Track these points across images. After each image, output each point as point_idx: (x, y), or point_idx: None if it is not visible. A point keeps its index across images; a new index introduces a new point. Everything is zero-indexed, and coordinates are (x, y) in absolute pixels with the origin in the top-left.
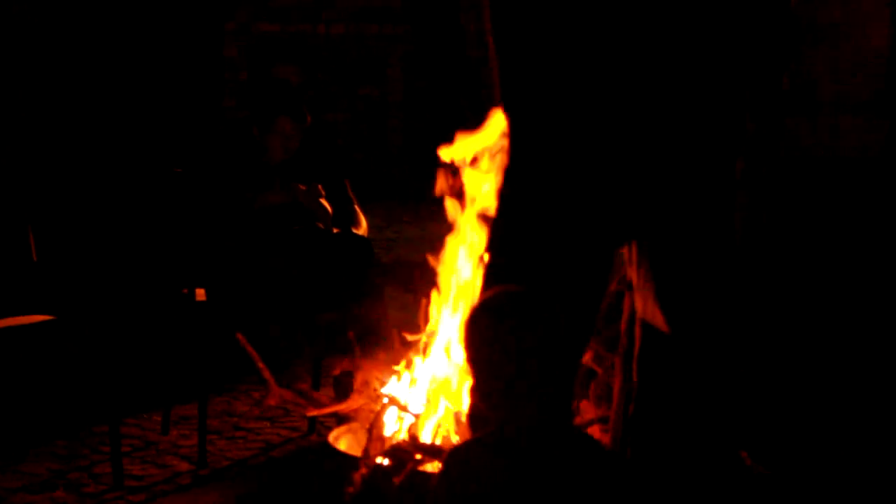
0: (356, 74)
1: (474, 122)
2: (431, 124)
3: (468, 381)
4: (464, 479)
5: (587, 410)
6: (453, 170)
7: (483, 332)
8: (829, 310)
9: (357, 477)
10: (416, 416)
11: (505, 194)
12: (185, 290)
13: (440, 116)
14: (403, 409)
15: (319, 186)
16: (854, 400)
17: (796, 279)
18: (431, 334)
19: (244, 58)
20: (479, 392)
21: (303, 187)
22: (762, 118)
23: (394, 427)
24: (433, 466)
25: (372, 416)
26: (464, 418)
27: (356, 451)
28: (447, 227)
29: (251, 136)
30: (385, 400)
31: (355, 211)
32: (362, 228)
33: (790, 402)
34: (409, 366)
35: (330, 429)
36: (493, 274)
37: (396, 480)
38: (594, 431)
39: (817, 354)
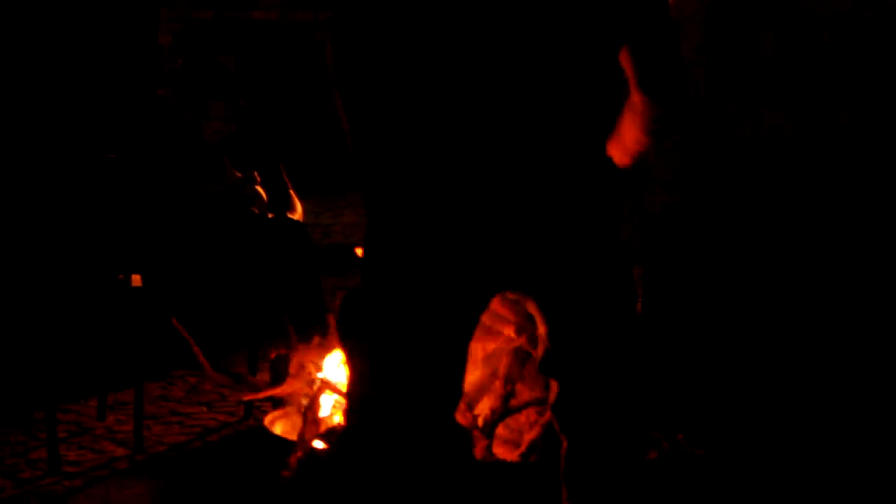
0: (292, 61)
1: None
2: None
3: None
4: (342, 464)
5: (522, 393)
6: None
7: (351, 330)
8: (776, 298)
9: (293, 461)
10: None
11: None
12: (121, 276)
13: None
14: (338, 392)
15: (255, 173)
16: (795, 385)
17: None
18: None
19: (179, 45)
20: (353, 381)
21: (238, 174)
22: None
23: (330, 410)
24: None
25: (307, 399)
26: None
27: (292, 436)
28: None
29: (185, 122)
30: (320, 383)
31: (290, 196)
32: (297, 213)
33: (730, 386)
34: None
35: (266, 413)
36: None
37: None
38: (529, 413)
39: (758, 340)
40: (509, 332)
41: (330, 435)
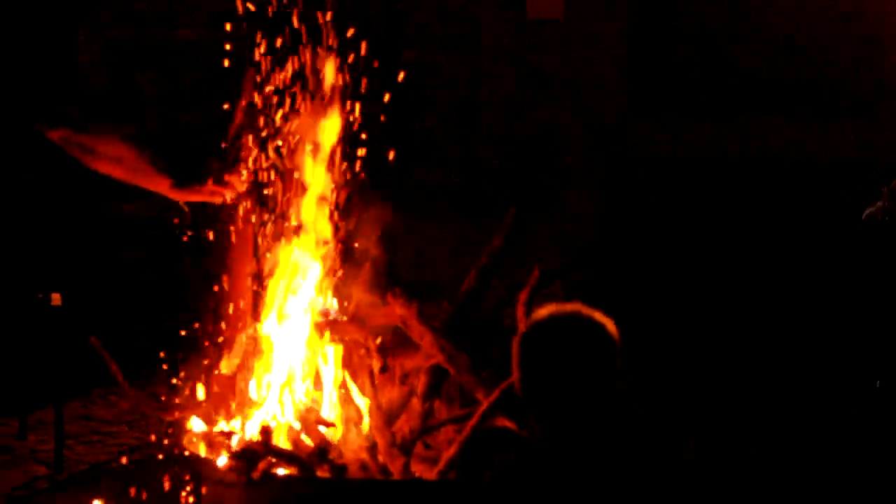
0: (215, 78)
1: None
2: None
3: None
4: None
5: (440, 411)
6: None
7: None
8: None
9: (210, 477)
10: (269, 419)
11: None
12: (40, 295)
13: None
14: (253, 409)
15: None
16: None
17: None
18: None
19: (100, 64)
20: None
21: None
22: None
23: (248, 429)
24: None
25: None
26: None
27: (210, 454)
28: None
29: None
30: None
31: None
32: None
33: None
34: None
35: (186, 433)
36: None
37: (246, 479)
38: (447, 431)
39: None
40: (427, 348)
41: (245, 454)
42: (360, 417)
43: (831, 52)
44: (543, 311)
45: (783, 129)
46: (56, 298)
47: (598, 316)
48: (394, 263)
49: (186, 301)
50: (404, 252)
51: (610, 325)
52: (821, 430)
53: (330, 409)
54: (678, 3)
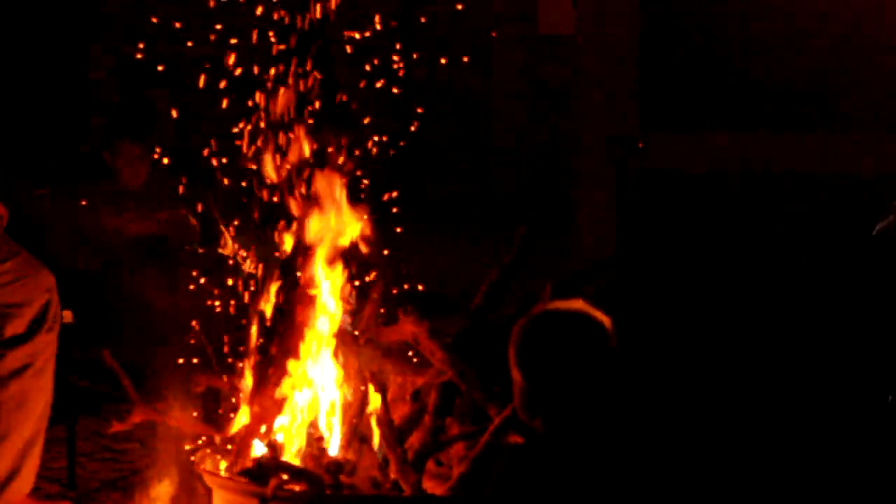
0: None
1: None
2: None
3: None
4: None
5: (451, 427)
6: None
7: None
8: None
9: (224, 495)
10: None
11: None
12: None
13: None
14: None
15: (183, 211)
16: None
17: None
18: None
19: (113, 80)
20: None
21: (163, 215)
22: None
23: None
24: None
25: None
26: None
27: (222, 471)
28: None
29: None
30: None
31: (220, 230)
32: (228, 248)
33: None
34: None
35: (198, 450)
36: None
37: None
38: (459, 448)
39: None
40: (438, 364)
41: (256, 470)
42: (372, 434)
43: (847, 63)
44: (540, 307)
45: (797, 141)
46: (67, 315)
47: (598, 314)
48: (405, 279)
49: (199, 318)
50: (416, 266)
51: (608, 324)
52: (832, 445)
53: (342, 429)
54: (691, 14)
